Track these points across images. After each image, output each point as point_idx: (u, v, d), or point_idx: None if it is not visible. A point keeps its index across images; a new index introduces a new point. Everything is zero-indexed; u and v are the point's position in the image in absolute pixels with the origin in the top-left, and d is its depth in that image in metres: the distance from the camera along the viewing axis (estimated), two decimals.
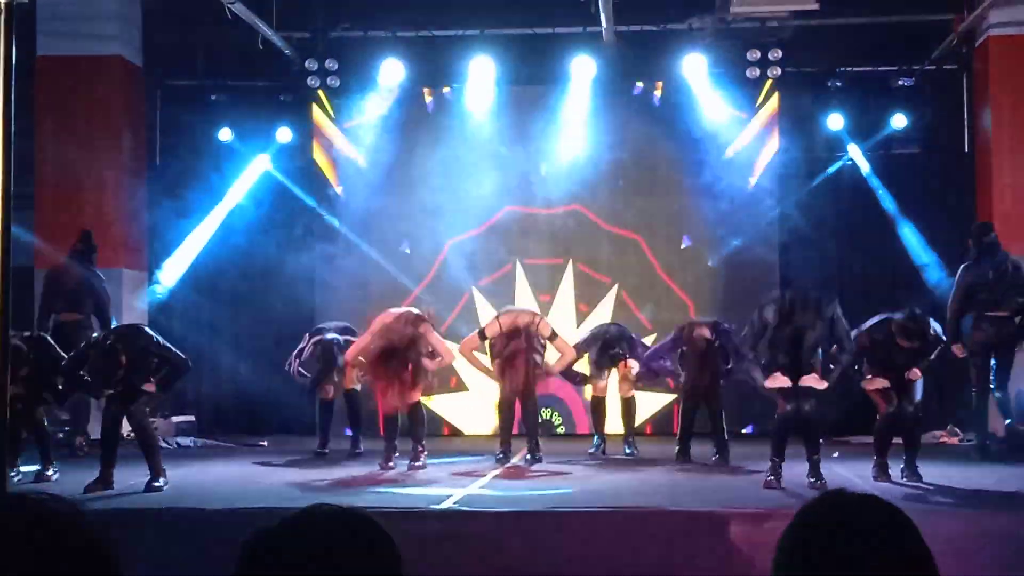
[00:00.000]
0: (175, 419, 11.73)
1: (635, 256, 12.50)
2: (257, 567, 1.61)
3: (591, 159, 12.47)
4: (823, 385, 8.06)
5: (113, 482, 8.07)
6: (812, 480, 7.89)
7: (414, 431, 9.30)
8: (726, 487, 8.00)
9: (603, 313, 12.21)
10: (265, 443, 11.21)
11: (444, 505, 7.06)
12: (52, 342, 8.98)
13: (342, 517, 1.66)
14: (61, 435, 11.10)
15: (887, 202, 12.41)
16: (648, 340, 10.98)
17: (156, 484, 8.01)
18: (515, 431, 9.91)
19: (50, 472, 8.67)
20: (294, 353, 10.29)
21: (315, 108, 12.80)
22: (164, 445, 10.90)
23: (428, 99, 12.79)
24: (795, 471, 8.75)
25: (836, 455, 9.77)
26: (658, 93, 12.61)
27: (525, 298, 12.17)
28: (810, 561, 1.72)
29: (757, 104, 12.47)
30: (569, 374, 10.29)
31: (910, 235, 12.24)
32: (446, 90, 12.74)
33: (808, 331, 8.03)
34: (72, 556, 1.55)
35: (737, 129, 12.48)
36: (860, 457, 9.02)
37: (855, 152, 12.60)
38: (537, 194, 12.55)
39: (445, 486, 7.93)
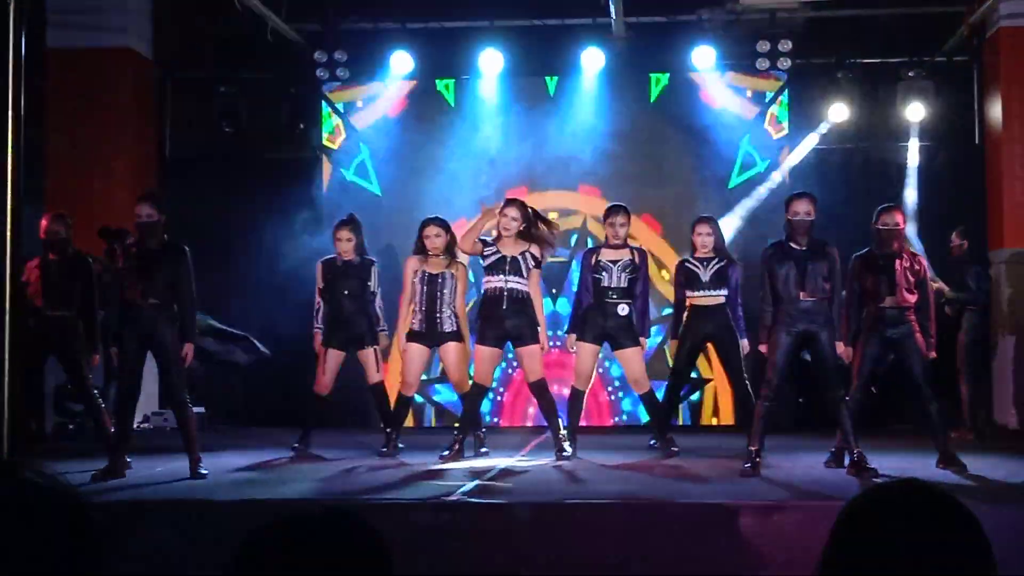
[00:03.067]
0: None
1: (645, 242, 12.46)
2: (248, 571, 1.61)
3: (599, 149, 12.47)
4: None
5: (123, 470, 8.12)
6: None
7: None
8: (735, 479, 7.98)
9: None
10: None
11: (453, 497, 7.06)
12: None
13: (330, 517, 1.66)
14: (72, 427, 11.15)
15: (898, 193, 12.38)
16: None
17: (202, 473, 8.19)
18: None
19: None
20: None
21: (324, 99, 12.81)
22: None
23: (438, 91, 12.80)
24: (804, 462, 8.76)
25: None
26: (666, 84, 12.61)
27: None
28: (863, 549, 1.70)
29: (767, 95, 12.46)
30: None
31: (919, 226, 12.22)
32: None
33: None
34: (67, 539, 1.55)
35: (746, 120, 12.46)
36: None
37: (865, 143, 12.57)
38: (545, 183, 12.54)
39: (455, 478, 7.94)
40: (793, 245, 8.27)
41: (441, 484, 7.63)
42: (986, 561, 1.69)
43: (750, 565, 5.78)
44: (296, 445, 9.69)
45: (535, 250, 9.12)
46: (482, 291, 9.22)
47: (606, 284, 9.24)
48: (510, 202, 9.24)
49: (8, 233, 5.08)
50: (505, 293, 9.01)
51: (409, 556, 5.66)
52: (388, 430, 9.58)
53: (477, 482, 7.72)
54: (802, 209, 8.25)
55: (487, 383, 9.35)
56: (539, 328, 9.12)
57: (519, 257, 9.04)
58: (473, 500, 7.02)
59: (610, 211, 9.47)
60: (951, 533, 1.70)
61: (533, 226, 9.10)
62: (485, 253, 9.07)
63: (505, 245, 9.07)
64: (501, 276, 9.01)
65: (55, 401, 11.31)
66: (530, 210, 9.21)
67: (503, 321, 9.03)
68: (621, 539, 6.18)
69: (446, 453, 9.02)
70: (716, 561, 5.89)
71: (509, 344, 9.20)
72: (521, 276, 9.02)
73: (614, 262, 9.26)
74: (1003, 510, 6.36)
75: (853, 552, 1.70)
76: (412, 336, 9.41)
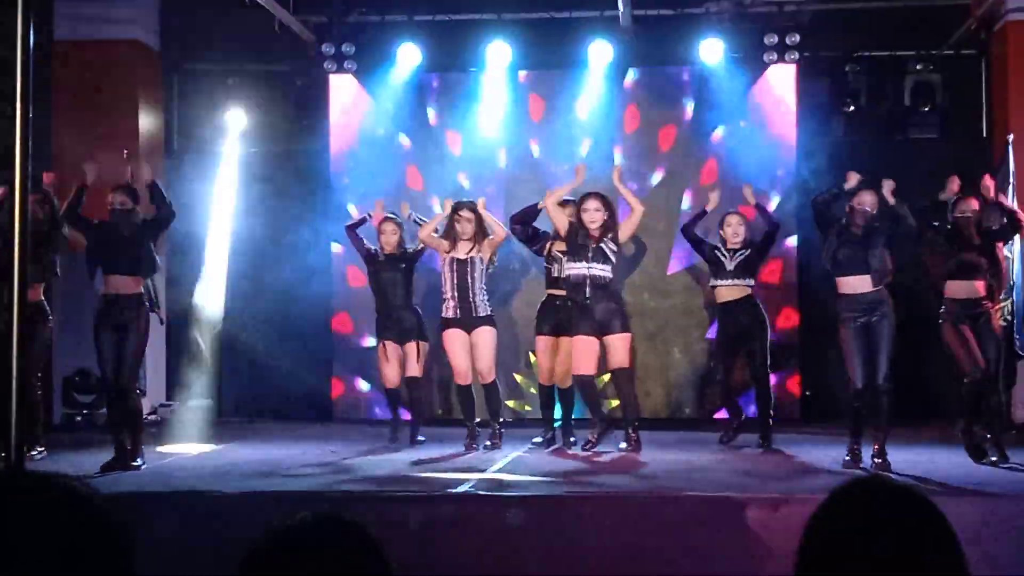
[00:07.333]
0: (191, 404, 11.71)
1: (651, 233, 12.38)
2: None
3: (605, 144, 12.45)
4: None
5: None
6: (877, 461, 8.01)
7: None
8: (742, 472, 7.99)
9: None
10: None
11: (460, 489, 7.07)
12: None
13: (329, 527, 1.68)
14: (79, 418, 11.17)
15: (905, 187, 12.35)
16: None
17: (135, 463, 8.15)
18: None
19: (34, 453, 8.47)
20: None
21: (331, 91, 12.79)
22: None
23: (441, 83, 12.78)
24: (814, 455, 8.77)
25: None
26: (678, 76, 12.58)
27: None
28: (836, 546, 1.72)
29: (775, 88, 12.42)
30: None
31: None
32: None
33: None
34: (88, 535, 1.57)
35: (753, 114, 12.42)
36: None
37: (872, 137, 12.54)
38: (551, 179, 12.52)
39: (462, 470, 7.95)
40: None
41: (448, 477, 7.65)
42: (951, 552, 1.70)
43: (757, 558, 5.79)
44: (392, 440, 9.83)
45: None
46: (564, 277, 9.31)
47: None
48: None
49: (17, 224, 5.08)
50: (587, 281, 9.10)
51: (417, 548, 5.68)
52: (411, 420, 9.79)
53: (485, 475, 7.73)
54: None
55: (591, 372, 9.23)
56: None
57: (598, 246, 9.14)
58: (481, 492, 7.04)
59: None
60: (915, 526, 1.72)
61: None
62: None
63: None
64: (583, 263, 9.10)
65: (63, 392, 11.34)
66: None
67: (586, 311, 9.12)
68: (629, 532, 6.19)
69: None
70: (723, 554, 5.90)
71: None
72: (602, 262, 9.10)
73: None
74: (955, 504, 6.38)
75: (825, 551, 1.73)
76: (448, 324, 9.56)
